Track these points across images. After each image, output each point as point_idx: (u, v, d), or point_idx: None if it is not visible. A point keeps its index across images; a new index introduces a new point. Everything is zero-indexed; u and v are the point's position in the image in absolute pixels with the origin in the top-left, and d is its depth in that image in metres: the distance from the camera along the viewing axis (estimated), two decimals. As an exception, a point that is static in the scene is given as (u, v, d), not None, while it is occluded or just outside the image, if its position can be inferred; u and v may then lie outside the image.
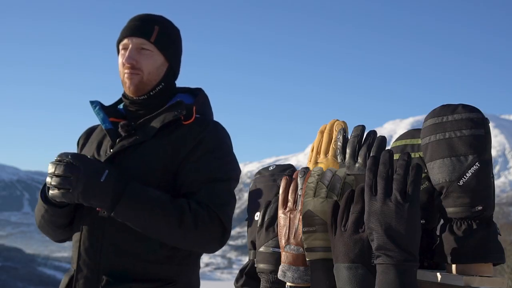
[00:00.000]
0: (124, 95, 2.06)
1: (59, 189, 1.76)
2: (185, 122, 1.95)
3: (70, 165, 1.75)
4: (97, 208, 1.84)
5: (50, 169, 1.78)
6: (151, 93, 2.00)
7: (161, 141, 1.92)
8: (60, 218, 1.94)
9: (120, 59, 1.99)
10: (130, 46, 1.96)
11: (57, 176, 1.76)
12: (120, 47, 2.01)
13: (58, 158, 1.79)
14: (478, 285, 1.06)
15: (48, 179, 1.78)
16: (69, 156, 1.77)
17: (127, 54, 1.95)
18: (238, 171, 2.00)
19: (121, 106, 2.11)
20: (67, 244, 2.00)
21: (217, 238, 1.86)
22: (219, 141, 1.96)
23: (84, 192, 1.74)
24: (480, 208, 1.09)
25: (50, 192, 1.79)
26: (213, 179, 1.88)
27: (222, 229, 1.85)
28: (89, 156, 1.91)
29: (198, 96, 2.09)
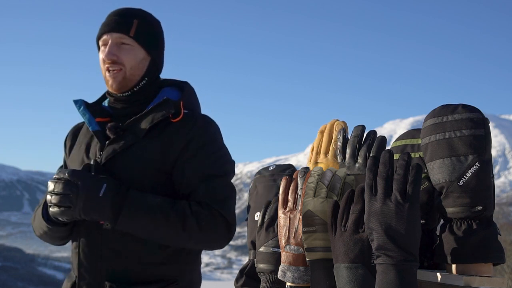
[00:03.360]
0: (108, 92, 2.03)
1: (59, 207, 1.76)
2: (174, 120, 1.93)
3: (68, 183, 1.76)
4: (100, 222, 1.84)
5: (50, 187, 1.79)
6: (135, 89, 1.96)
7: (151, 142, 1.90)
8: (63, 233, 1.95)
9: (101, 56, 1.95)
10: (110, 41, 1.93)
11: (56, 194, 1.76)
12: (100, 43, 1.97)
13: (57, 176, 1.80)
14: (478, 285, 1.06)
15: (48, 197, 1.79)
16: (67, 174, 1.78)
17: (107, 50, 1.92)
18: (232, 163, 2.00)
19: (105, 102, 2.07)
20: (67, 244, 2.01)
21: (223, 235, 1.87)
22: (209, 136, 1.94)
23: (84, 208, 1.75)
24: (480, 208, 1.09)
25: (51, 210, 1.79)
26: (209, 176, 1.88)
27: (226, 224, 1.86)
28: (79, 161, 1.93)
29: (184, 91, 2.05)
